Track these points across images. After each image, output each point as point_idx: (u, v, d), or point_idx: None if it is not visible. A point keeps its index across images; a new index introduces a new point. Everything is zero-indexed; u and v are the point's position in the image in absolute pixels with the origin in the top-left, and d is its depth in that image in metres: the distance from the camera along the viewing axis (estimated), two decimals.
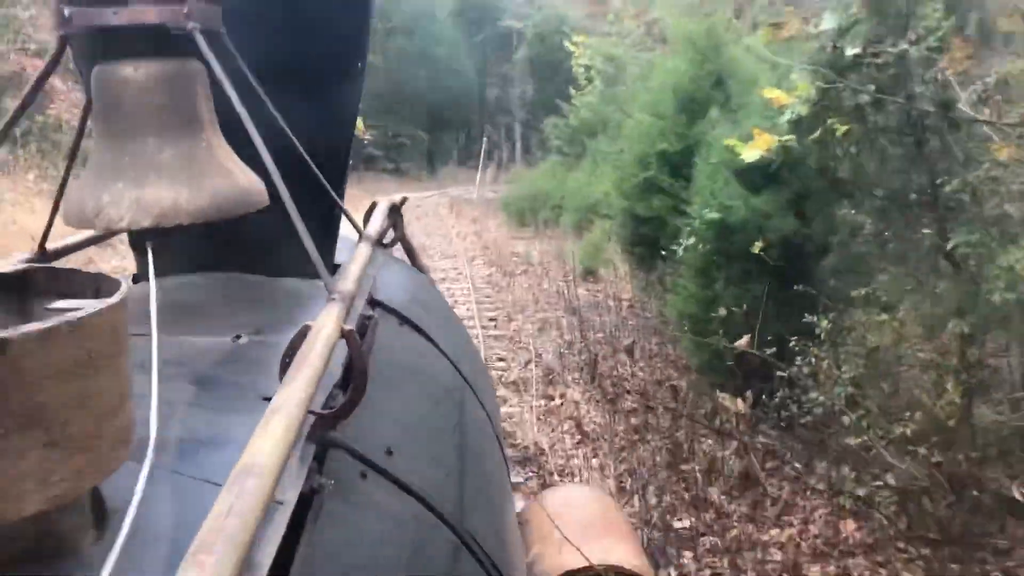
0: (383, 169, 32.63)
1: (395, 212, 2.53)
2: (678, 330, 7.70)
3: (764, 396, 6.08)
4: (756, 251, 5.94)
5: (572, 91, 21.01)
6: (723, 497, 5.36)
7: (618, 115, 15.26)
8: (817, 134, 5.77)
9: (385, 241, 2.41)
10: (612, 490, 5.30)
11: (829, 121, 5.58)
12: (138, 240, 1.92)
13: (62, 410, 0.83)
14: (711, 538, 4.89)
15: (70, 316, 0.84)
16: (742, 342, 4.88)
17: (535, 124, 32.01)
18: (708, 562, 4.69)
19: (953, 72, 4.58)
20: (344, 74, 2.13)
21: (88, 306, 0.88)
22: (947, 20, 5.19)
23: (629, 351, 7.29)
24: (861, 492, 5.25)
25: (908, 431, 5.13)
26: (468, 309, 10.31)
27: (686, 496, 5.36)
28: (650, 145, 9.34)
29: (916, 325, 5.59)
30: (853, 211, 5.88)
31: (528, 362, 8.21)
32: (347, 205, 2.11)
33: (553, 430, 6.42)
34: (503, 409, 6.31)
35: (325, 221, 2.08)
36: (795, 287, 5.80)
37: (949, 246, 5.06)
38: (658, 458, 5.77)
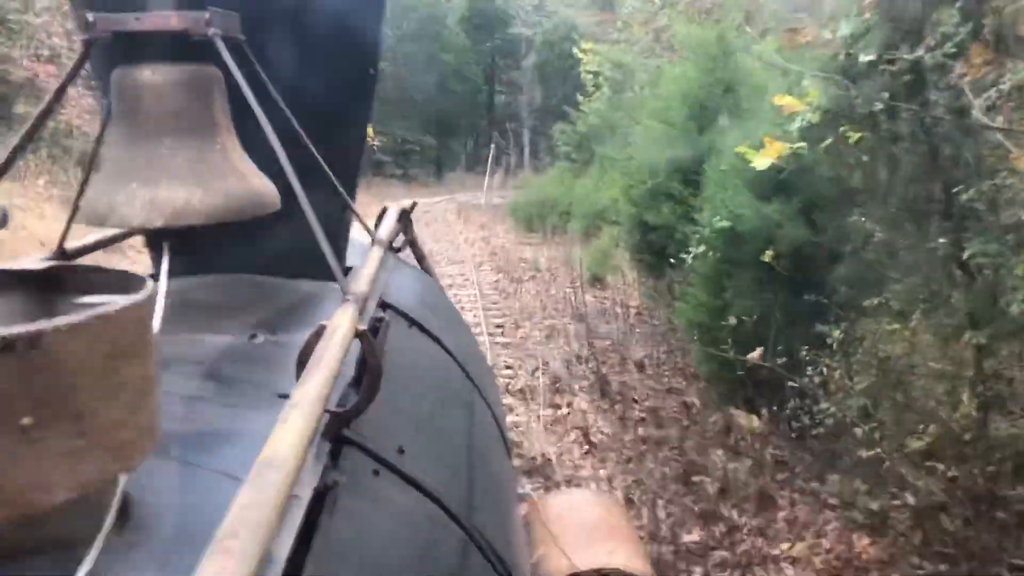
0: (391, 175, 32.64)
1: (405, 217, 2.56)
2: (687, 339, 7.63)
3: (775, 407, 6.01)
4: (767, 260, 5.86)
5: (580, 97, 20.98)
6: (733, 510, 5.28)
7: (626, 121, 15.21)
8: (829, 142, 5.71)
9: (395, 245, 2.45)
10: (620, 502, 5.22)
11: (841, 128, 5.51)
12: (155, 241, 1.95)
13: (92, 401, 0.85)
14: (721, 552, 4.80)
15: (100, 310, 0.86)
16: (754, 355, 4.80)
17: (543, 130, 32.02)
18: None
19: (972, 79, 4.48)
20: (357, 80, 2.16)
21: (117, 301, 0.90)
22: (963, 26, 5.11)
23: (640, 366, 7.16)
24: (875, 506, 5.16)
25: (923, 444, 5.04)
26: (475, 316, 10.24)
27: (696, 509, 5.27)
28: (659, 152, 9.27)
29: (930, 336, 5.51)
30: (865, 220, 5.80)
31: (535, 370, 8.13)
32: (355, 206, 2.13)
33: (560, 439, 6.35)
34: (510, 418, 6.25)
35: (337, 225, 2.11)
36: (806, 296, 5.72)
37: (965, 256, 4.97)
38: (667, 469, 5.68)
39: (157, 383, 0.98)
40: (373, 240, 2.14)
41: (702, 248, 6.68)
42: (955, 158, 5.32)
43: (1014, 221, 4.84)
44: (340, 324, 1.29)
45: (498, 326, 10.12)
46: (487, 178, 28.67)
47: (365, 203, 2.46)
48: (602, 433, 6.42)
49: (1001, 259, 4.68)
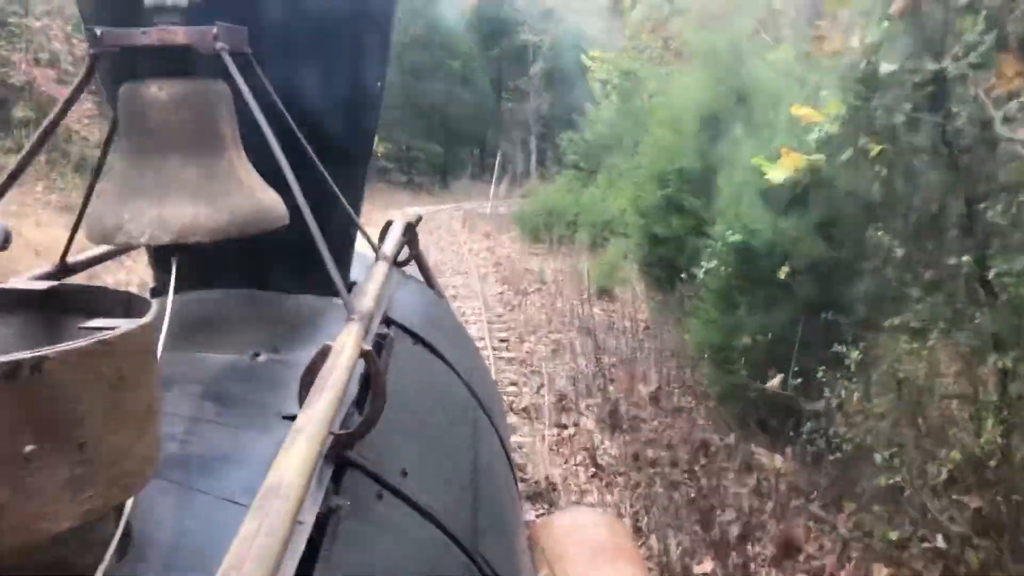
0: (397, 182, 32.53)
1: (410, 230, 2.54)
2: (698, 356, 7.41)
3: (789, 429, 5.78)
4: (782, 276, 5.63)
5: (588, 106, 20.81)
6: (746, 540, 5.03)
7: (635, 130, 15.02)
8: (848, 154, 5.50)
9: (400, 258, 2.41)
10: (627, 527, 4.99)
11: (862, 141, 5.29)
12: (160, 255, 1.96)
13: (94, 428, 0.85)
14: None
15: (104, 335, 0.85)
16: (774, 382, 4.56)
17: (550, 138, 31.84)
18: None
19: (1004, 90, 4.27)
20: (363, 95, 2.15)
21: (121, 326, 0.90)
22: (988, 34, 4.90)
23: (654, 399, 6.85)
24: (894, 536, 4.93)
25: (944, 471, 4.82)
26: (479, 329, 10.02)
27: (706, 537, 5.03)
28: (669, 162, 9.09)
29: (952, 357, 5.29)
30: (885, 235, 5.58)
31: (540, 387, 7.90)
32: (360, 218, 2.11)
33: (566, 461, 6.11)
34: (514, 438, 6.02)
35: (341, 239, 2.10)
36: (823, 315, 5.50)
37: (990, 275, 4.76)
38: (675, 495, 5.45)
39: (159, 406, 0.97)
40: (377, 256, 2.10)
41: (714, 263, 6.46)
42: (978, 172, 5.12)
43: None
44: (345, 345, 1.27)
45: (502, 340, 9.89)
46: (493, 186, 28.51)
47: (369, 211, 2.32)
48: (609, 455, 6.18)
49: None
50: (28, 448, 0.79)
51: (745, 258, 6.17)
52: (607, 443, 6.39)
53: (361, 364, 1.32)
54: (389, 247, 2.23)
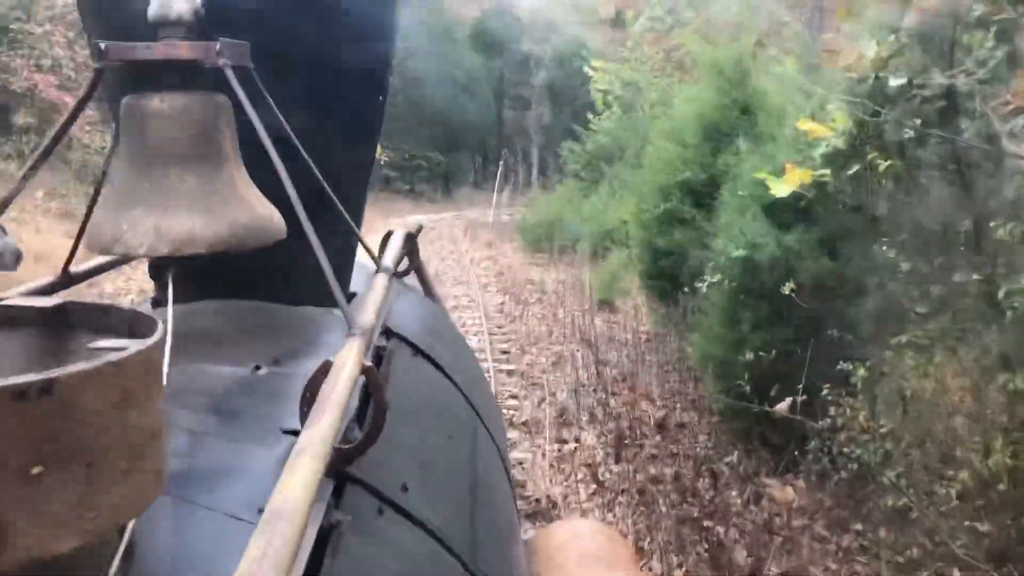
0: (399, 190, 32.50)
1: (411, 240, 2.53)
2: (700, 369, 7.32)
3: (793, 447, 5.69)
4: (787, 292, 5.55)
5: (589, 116, 20.79)
6: (749, 559, 4.95)
7: (636, 141, 14.98)
8: (855, 170, 5.43)
9: (399, 269, 2.39)
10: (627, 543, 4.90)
11: (870, 156, 5.23)
12: (158, 267, 1.92)
13: (102, 449, 0.85)
14: None
15: (113, 356, 0.86)
16: (782, 406, 4.47)
17: (552, 148, 31.82)
18: None
19: (1018, 106, 4.20)
20: (366, 109, 2.15)
21: (130, 346, 0.90)
22: (998, 49, 4.84)
23: (661, 426, 6.72)
24: (901, 559, 4.84)
25: (952, 492, 4.74)
26: (480, 340, 9.93)
27: (710, 558, 4.94)
28: (671, 174, 9.02)
29: (960, 377, 5.21)
30: (891, 251, 5.50)
31: (541, 401, 7.81)
32: (361, 226, 2.11)
33: (567, 478, 6.02)
34: (513, 454, 5.93)
35: (342, 250, 2.10)
36: (829, 332, 5.41)
37: (1001, 294, 4.68)
38: (678, 513, 5.36)
39: (165, 424, 0.97)
40: (378, 268, 2.08)
41: (718, 277, 6.38)
42: (987, 189, 5.06)
43: None
44: (346, 361, 1.27)
45: (503, 352, 9.80)
46: (495, 195, 28.45)
47: (370, 218, 2.29)
48: (611, 472, 6.09)
49: None
50: (36, 469, 0.79)
51: (749, 273, 6.09)
52: (609, 460, 6.29)
53: (361, 376, 1.32)
54: (390, 258, 2.22)
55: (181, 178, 1.48)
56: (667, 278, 8.88)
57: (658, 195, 9.19)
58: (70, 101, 13.77)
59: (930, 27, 4.92)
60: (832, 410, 5.20)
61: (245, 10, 1.64)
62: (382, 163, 27.73)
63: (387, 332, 2.04)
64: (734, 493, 5.44)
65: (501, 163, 33.34)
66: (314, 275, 1.43)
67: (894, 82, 4.87)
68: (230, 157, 1.56)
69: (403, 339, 2.14)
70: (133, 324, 1.05)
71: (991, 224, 4.74)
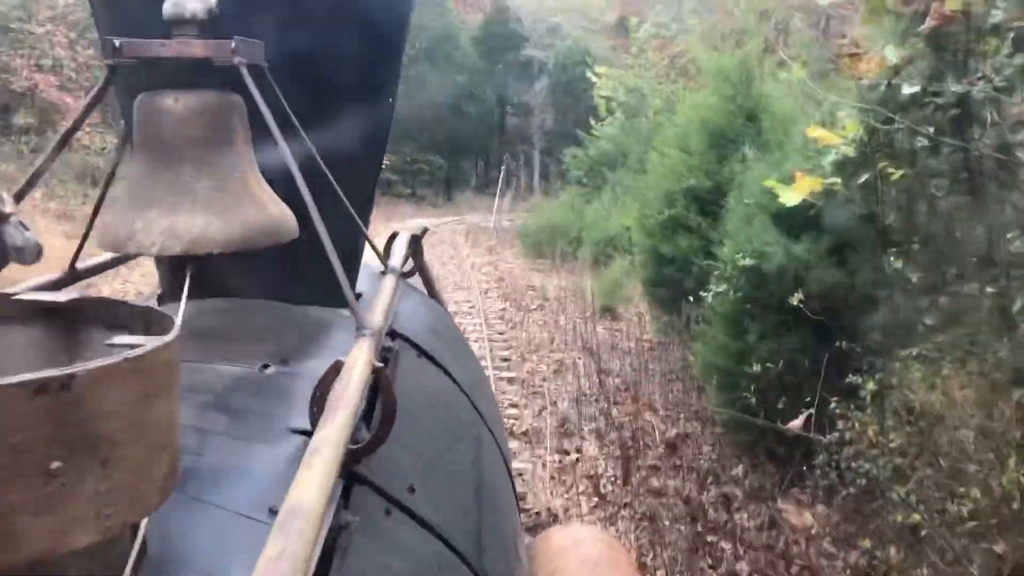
0: (400, 194, 32.42)
1: (416, 243, 2.53)
2: (704, 380, 7.20)
3: (799, 460, 5.57)
4: (795, 303, 5.43)
5: (593, 122, 20.72)
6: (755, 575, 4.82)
7: (639, 147, 14.89)
8: (865, 178, 5.32)
9: (404, 270, 2.39)
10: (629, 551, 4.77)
11: (881, 164, 5.11)
12: (170, 265, 1.97)
13: (119, 445, 0.85)
14: None
15: (131, 352, 0.86)
16: (796, 423, 4.34)
17: (555, 153, 31.76)
18: None
19: None
20: (375, 109, 2.14)
21: (147, 342, 0.90)
22: (1015, 57, 4.73)
23: (671, 445, 6.56)
24: None
25: (964, 510, 4.62)
26: (480, 347, 9.81)
27: (714, 574, 4.82)
28: (676, 181, 8.93)
29: (972, 392, 5.09)
30: (902, 262, 5.39)
31: (542, 410, 7.68)
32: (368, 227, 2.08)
33: (568, 490, 5.89)
34: (513, 465, 5.80)
35: (349, 251, 2.08)
36: (837, 344, 5.30)
37: (1016, 307, 4.57)
38: (682, 528, 5.23)
39: (179, 422, 0.98)
40: (385, 268, 2.10)
41: (724, 286, 6.26)
42: (1001, 200, 4.95)
43: None
44: (357, 361, 1.28)
45: (504, 359, 9.68)
46: (497, 200, 28.37)
47: (372, 222, 2.27)
48: (612, 484, 5.96)
49: None
50: (54, 465, 0.79)
51: (756, 282, 5.97)
52: (611, 472, 6.16)
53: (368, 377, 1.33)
54: (395, 259, 2.25)
55: (194, 177, 1.48)
56: (671, 285, 8.77)
57: (662, 201, 9.09)
58: (71, 102, 13.69)
59: (945, 33, 4.81)
60: (840, 424, 5.08)
61: (254, 12, 1.64)
62: (384, 167, 27.65)
63: (392, 333, 2.04)
64: (746, 516, 5.30)
65: (503, 168, 33.27)
66: (320, 274, 1.42)
67: (907, 89, 4.77)
68: (244, 156, 1.56)
69: (407, 340, 2.14)
70: (147, 320, 1.05)
71: (1006, 236, 4.63)
